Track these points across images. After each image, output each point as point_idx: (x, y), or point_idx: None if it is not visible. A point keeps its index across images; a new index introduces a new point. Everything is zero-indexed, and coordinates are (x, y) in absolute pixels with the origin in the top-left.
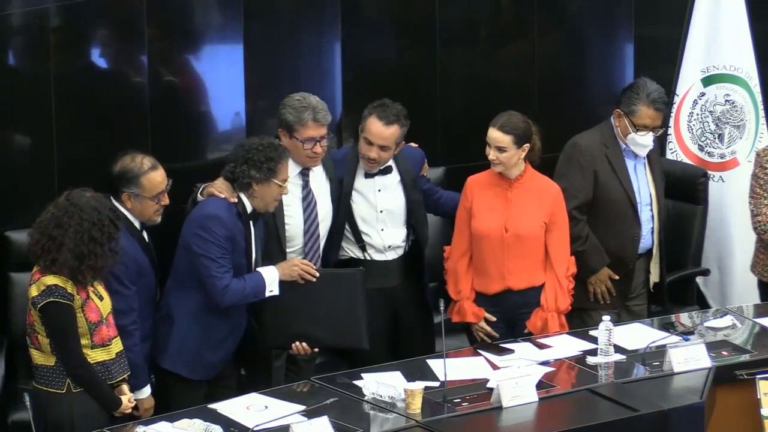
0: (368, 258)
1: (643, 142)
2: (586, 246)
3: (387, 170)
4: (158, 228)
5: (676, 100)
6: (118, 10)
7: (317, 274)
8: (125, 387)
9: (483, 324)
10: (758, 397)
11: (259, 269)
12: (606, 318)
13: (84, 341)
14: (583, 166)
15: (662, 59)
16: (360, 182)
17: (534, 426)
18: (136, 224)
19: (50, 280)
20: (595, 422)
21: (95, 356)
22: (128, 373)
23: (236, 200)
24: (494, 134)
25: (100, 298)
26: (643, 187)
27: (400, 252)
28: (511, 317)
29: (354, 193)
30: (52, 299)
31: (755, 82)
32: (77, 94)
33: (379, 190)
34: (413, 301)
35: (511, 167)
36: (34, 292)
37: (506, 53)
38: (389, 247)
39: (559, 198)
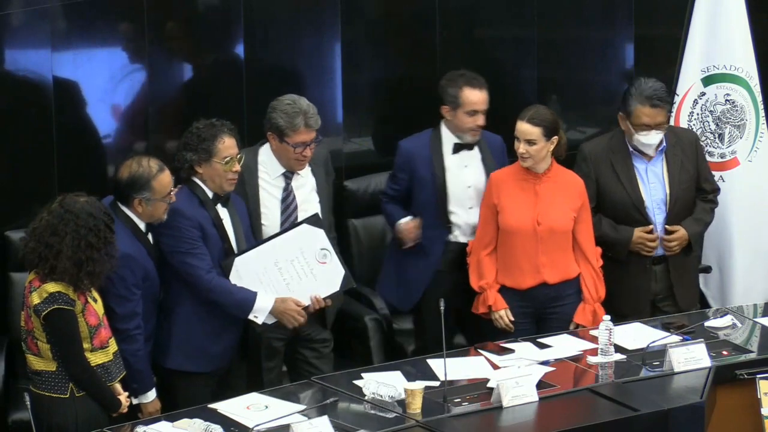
0: (453, 240)
1: (646, 141)
2: (602, 230)
3: (471, 146)
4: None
5: (676, 100)
6: (118, 10)
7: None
8: (119, 386)
9: (504, 313)
10: (758, 396)
11: (259, 293)
12: (606, 318)
13: (85, 345)
14: (584, 173)
15: (662, 59)
16: (449, 159)
17: (534, 426)
18: (142, 227)
19: (52, 287)
20: (595, 422)
21: (96, 359)
22: (124, 373)
23: (174, 190)
24: (523, 127)
25: (95, 300)
26: (657, 188)
27: None
28: (541, 311)
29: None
30: (56, 306)
31: (755, 82)
32: (77, 94)
33: (466, 166)
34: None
35: (540, 161)
36: (36, 299)
37: (506, 54)
38: (475, 228)
39: (584, 190)
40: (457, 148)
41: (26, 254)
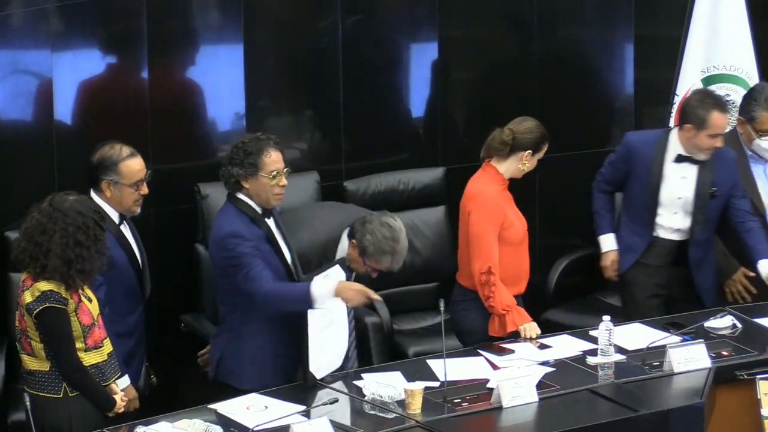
0: (655, 236)
1: None
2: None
3: (698, 161)
4: (158, 227)
5: (676, 100)
6: (118, 10)
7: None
8: (115, 386)
9: (534, 325)
10: (758, 397)
11: (314, 281)
12: (606, 318)
13: (78, 344)
14: None
15: (662, 59)
16: (668, 168)
17: (534, 426)
18: (114, 217)
19: (44, 285)
20: (595, 422)
21: (89, 359)
22: (119, 374)
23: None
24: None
25: (89, 300)
26: None
27: (684, 236)
28: None
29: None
30: (48, 305)
31: (755, 82)
32: (77, 94)
33: (683, 177)
34: (685, 283)
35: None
36: (28, 298)
37: (507, 54)
38: (678, 230)
39: None
40: (680, 159)
41: (17, 254)
